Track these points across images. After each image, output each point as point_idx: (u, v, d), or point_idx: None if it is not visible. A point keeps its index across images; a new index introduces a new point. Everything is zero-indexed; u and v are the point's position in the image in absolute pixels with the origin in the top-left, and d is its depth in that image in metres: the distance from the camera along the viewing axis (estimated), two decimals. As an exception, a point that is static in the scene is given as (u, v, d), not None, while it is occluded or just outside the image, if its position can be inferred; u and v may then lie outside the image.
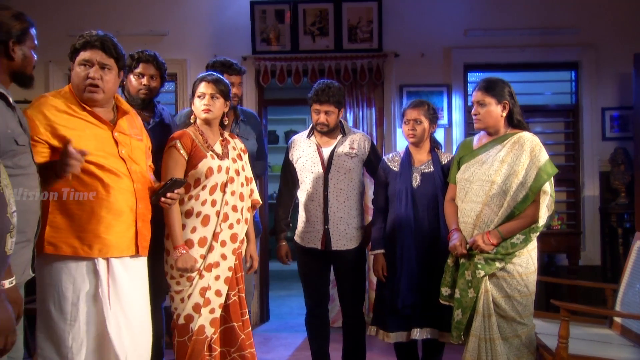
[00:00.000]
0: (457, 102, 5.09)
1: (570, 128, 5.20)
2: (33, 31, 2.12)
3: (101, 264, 2.34)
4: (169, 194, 2.59)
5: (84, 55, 2.41)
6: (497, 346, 2.77)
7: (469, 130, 5.12)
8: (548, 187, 2.80)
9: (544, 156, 2.83)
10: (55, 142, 2.29)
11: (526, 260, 2.83)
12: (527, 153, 2.83)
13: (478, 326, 2.80)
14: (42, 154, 2.26)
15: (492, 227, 2.83)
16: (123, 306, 2.38)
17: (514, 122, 2.95)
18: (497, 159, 2.88)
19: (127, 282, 2.42)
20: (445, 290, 2.97)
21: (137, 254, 2.48)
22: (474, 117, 2.98)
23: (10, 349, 1.71)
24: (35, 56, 2.14)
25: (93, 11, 5.06)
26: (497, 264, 2.79)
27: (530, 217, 2.80)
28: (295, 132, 8.61)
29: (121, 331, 2.35)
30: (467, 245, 2.85)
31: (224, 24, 5.12)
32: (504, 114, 2.92)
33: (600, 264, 5.01)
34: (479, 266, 2.79)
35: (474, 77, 5.23)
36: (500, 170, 2.84)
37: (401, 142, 4.99)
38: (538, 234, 2.81)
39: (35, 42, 2.13)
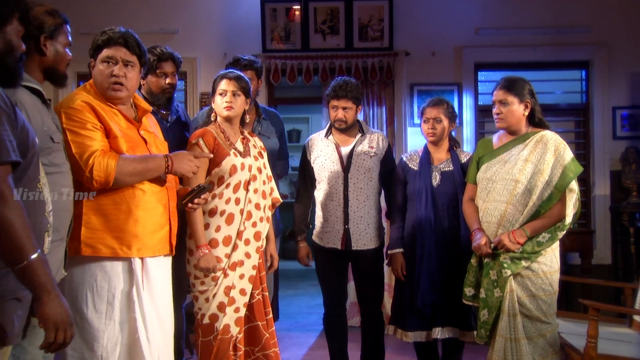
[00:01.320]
0: (467, 101, 5.08)
1: (581, 127, 5.21)
2: (67, 28, 2.08)
3: (137, 264, 2.30)
4: (195, 200, 2.56)
5: (107, 52, 2.33)
6: (522, 346, 2.76)
7: (480, 129, 5.12)
8: (574, 185, 2.79)
9: (568, 154, 2.82)
10: (103, 132, 2.27)
11: (550, 259, 2.82)
12: (552, 151, 2.82)
13: (504, 326, 2.78)
14: (104, 140, 2.25)
15: (516, 227, 2.81)
16: (156, 305, 2.35)
17: (534, 121, 2.94)
18: (520, 158, 2.86)
19: (159, 281, 2.40)
20: (468, 291, 2.95)
21: (170, 252, 2.45)
22: (495, 116, 2.96)
23: (70, 342, 1.68)
24: (69, 54, 2.10)
25: (103, 9, 5.02)
26: (523, 263, 2.77)
27: (555, 215, 2.79)
28: (299, 131, 8.68)
29: (154, 330, 2.32)
30: (492, 245, 2.84)
31: (235, 22, 5.08)
32: (526, 113, 2.91)
33: (611, 263, 5.02)
34: (505, 265, 2.78)
35: (484, 76, 5.22)
36: (524, 169, 2.83)
37: (412, 141, 4.98)
38: (564, 232, 2.80)
39: (69, 39, 2.09)
